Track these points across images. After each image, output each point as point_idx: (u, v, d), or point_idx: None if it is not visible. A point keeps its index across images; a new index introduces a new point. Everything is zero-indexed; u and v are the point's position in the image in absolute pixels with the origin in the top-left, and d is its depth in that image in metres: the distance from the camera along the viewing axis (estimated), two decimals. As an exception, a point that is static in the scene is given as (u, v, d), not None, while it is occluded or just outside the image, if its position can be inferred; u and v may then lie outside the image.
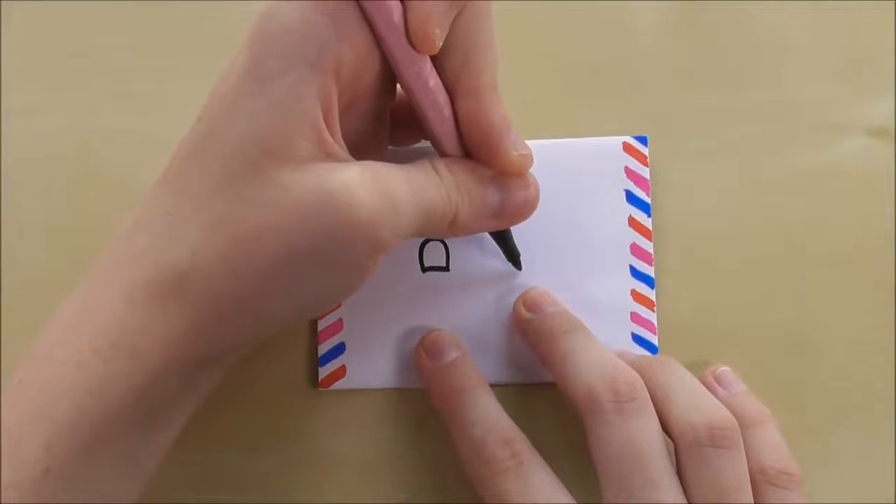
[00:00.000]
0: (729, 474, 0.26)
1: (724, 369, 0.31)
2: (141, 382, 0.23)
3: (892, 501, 0.31)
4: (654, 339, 0.31)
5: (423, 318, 0.31)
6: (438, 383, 0.30)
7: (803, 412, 0.31)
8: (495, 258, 0.31)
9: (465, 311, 0.31)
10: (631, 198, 0.32)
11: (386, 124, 0.28)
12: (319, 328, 0.32)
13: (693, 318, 0.32)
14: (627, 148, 0.32)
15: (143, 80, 0.34)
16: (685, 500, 0.26)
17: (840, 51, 0.33)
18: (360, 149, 0.26)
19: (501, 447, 0.27)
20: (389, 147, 0.29)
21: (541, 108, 0.33)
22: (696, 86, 0.33)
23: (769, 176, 0.32)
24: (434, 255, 0.32)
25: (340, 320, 0.32)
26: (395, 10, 0.24)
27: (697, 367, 0.30)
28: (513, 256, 0.31)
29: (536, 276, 0.31)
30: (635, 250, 0.32)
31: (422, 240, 0.32)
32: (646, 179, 0.32)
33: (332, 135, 0.24)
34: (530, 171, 0.28)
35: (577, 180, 0.32)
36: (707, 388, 0.29)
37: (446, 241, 0.32)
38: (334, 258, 0.24)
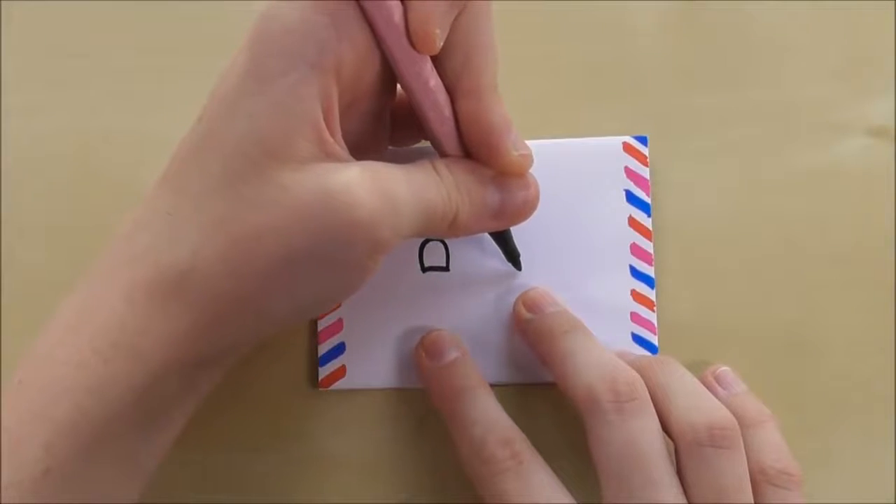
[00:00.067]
0: (729, 474, 0.26)
1: (724, 369, 0.31)
2: (141, 382, 0.23)
3: (892, 501, 0.31)
4: (654, 339, 0.31)
5: (423, 318, 0.31)
6: (438, 383, 0.30)
7: (803, 412, 0.31)
8: (495, 258, 0.31)
9: (465, 311, 0.31)
10: (631, 198, 0.32)
11: (386, 124, 0.28)
12: (319, 328, 0.32)
13: (693, 318, 0.32)
14: (627, 148, 0.32)
15: (143, 80, 0.34)
16: (685, 500, 0.26)
17: (840, 51, 0.33)
18: (361, 149, 0.26)
19: (501, 447, 0.27)
20: (389, 147, 0.30)
21: (541, 108, 0.33)
22: (696, 86, 0.33)
23: (769, 176, 0.32)
24: (434, 255, 0.32)
25: (340, 320, 0.32)
26: (396, 10, 0.24)
27: (697, 367, 0.30)
28: (513, 256, 0.31)
29: (536, 276, 0.31)
30: (635, 250, 0.32)
31: (422, 240, 0.32)
32: (646, 179, 0.32)
33: (332, 135, 0.24)
34: (530, 171, 0.28)
35: (577, 180, 0.32)
36: (707, 388, 0.29)
37: (446, 241, 0.32)
38: (334, 258, 0.24)
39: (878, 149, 0.32)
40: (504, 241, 0.31)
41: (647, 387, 0.28)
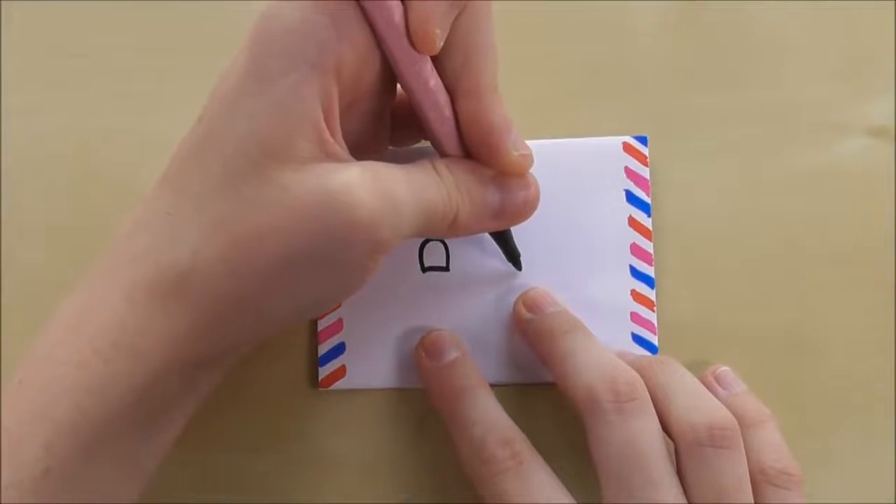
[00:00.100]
0: (729, 474, 0.26)
1: (724, 369, 0.31)
2: (141, 382, 0.23)
3: (892, 501, 0.31)
4: (654, 339, 0.31)
5: (423, 318, 0.31)
6: (438, 383, 0.30)
7: (803, 412, 0.31)
8: (495, 258, 0.31)
9: (465, 311, 0.31)
10: (631, 198, 0.32)
11: (386, 124, 0.28)
12: (319, 328, 0.32)
13: (693, 318, 0.32)
14: (627, 148, 0.32)
15: (143, 80, 0.34)
16: (685, 500, 0.26)
17: (840, 51, 0.33)
18: (361, 149, 0.26)
19: (501, 447, 0.27)
20: (389, 147, 0.29)
21: (541, 108, 0.33)
22: (696, 86, 0.33)
23: (769, 176, 0.32)
24: (434, 255, 0.32)
25: (340, 320, 0.32)
26: (396, 10, 0.24)
27: (697, 367, 0.30)
28: (513, 256, 0.31)
29: (536, 276, 0.31)
30: (635, 250, 0.32)
31: (422, 240, 0.32)
32: (646, 179, 0.32)
33: (332, 135, 0.24)
34: (530, 171, 0.28)
35: (577, 180, 0.32)
36: (707, 388, 0.29)
37: (446, 241, 0.32)
38: (335, 258, 0.24)
39: (878, 149, 0.32)
40: (504, 241, 0.31)
41: (647, 387, 0.28)
